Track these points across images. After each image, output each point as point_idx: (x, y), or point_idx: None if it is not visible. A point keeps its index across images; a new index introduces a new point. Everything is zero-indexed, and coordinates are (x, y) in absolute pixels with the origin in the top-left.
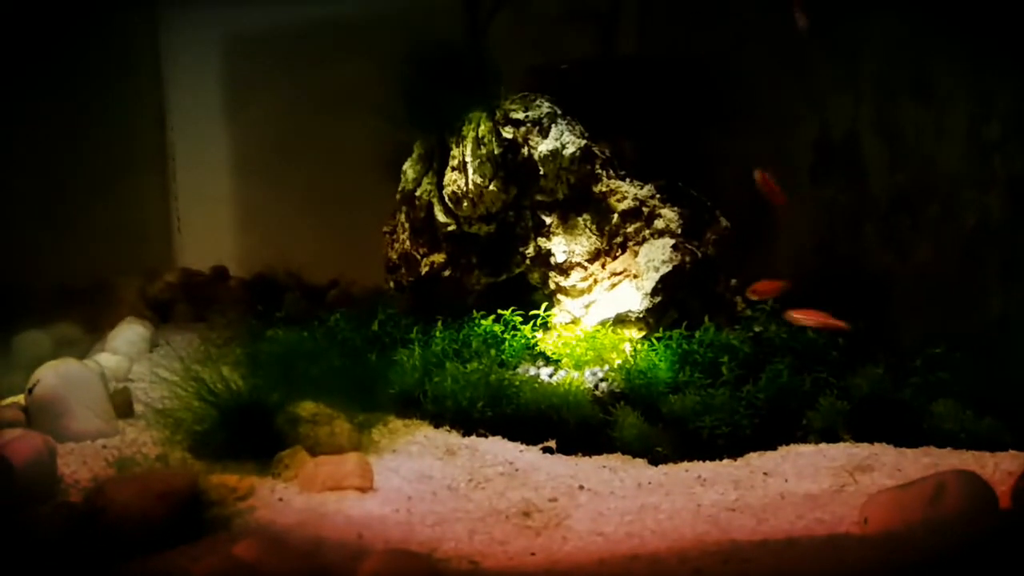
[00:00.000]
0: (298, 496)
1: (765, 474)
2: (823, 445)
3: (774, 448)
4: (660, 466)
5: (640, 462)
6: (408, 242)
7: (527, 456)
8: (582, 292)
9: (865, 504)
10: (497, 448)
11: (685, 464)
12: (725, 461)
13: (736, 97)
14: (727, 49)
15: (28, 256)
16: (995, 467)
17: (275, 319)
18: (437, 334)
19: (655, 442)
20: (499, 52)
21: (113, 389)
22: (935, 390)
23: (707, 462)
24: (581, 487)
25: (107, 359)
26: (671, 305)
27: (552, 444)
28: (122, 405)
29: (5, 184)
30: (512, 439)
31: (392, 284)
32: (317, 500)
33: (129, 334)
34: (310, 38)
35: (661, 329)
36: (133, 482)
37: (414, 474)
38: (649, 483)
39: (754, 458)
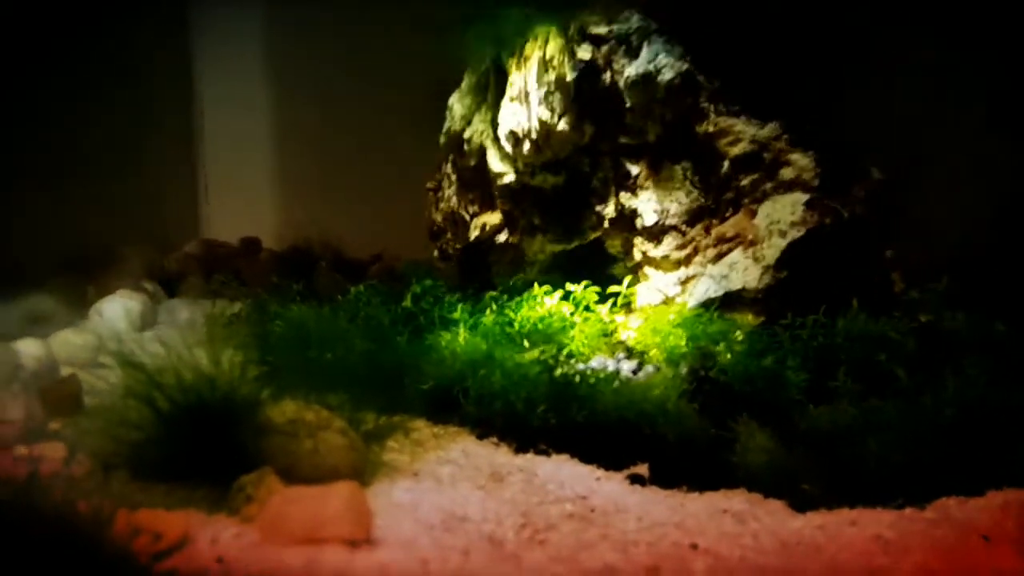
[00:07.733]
0: (252, 551)
1: (985, 538)
2: None
3: (981, 492)
4: (808, 512)
5: (776, 504)
6: (455, 199)
7: (607, 488)
8: (678, 264)
9: None
10: (564, 473)
11: (846, 511)
12: (908, 510)
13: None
14: None
15: (36, 225)
16: None
17: (293, 294)
18: (488, 313)
19: (797, 474)
20: None
21: (61, 377)
22: None
23: (878, 509)
24: (694, 546)
25: (66, 339)
26: (802, 283)
27: (643, 470)
28: (64, 399)
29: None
30: (584, 459)
31: (436, 252)
32: (275, 561)
33: (115, 309)
34: None
35: (789, 315)
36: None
37: (439, 514)
38: (799, 543)
39: (952, 507)
